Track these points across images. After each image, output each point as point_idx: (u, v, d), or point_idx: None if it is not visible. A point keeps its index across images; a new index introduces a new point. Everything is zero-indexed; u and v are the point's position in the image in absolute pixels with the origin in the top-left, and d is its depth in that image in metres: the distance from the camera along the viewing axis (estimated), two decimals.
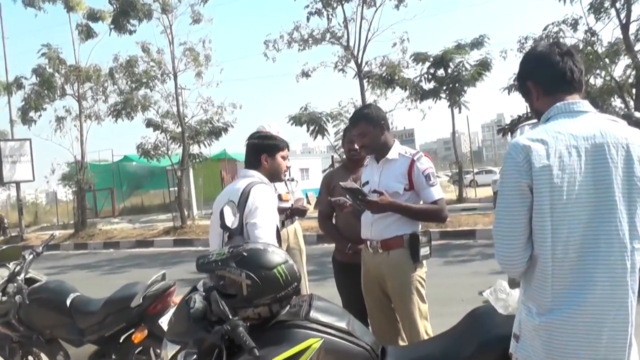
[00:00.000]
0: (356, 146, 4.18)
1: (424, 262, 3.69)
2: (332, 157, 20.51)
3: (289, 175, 5.33)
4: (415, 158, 3.67)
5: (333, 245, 4.43)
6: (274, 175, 3.52)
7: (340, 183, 3.70)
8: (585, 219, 1.91)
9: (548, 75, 2.08)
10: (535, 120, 2.24)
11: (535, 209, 1.94)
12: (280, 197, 4.91)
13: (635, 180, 1.94)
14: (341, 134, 16.59)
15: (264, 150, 3.46)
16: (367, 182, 3.83)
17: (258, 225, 3.11)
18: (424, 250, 3.62)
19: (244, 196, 3.18)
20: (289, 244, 4.89)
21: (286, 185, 5.12)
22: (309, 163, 37.56)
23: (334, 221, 4.41)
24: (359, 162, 4.28)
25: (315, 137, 18.01)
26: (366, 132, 3.77)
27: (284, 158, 3.54)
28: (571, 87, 2.07)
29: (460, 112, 21.79)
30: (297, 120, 17.58)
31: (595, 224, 1.91)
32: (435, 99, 20.53)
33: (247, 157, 3.53)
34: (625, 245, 1.92)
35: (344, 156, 4.79)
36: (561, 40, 16.34)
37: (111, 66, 20.26)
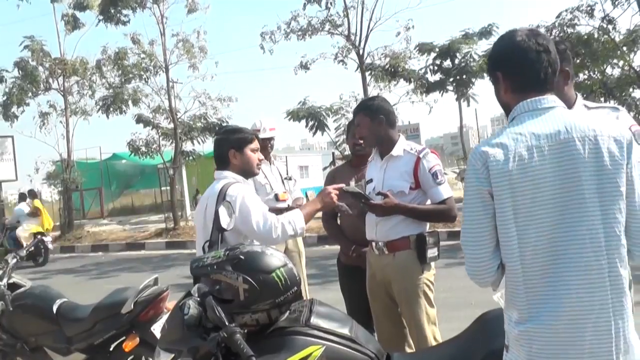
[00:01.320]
0: (360, 140, 4.16)
1: (432, 264, 3.69)
2: (333, 153, 20.46)
3: (287, 173, 5.38)
4: (421, 155, 3.65)
5: (334, 247, 4.46)
6: (247, 172, 3.48)
7: (343, 188, 3.70)
8: (553, 221, 1.90)
9: (521, 73, 2.05)
10: None
11: (498, 216, 1.95)
12: (277, 197, 4.93)
13: (607, 173, 1.91)
14: (342, 129, 16.72)
15: (230, 146, 3.42)
16: (371, 180, 3.82)
17: (247, 213, 3.17)
18: (431, 252, 3.61)
19: (222, 197, 3.21)
20: (287, 246, 4.90)
21: (283, 184, 5.13)
22: (308, 160, 37.54)
23: (338, 221, 4.41)
24: (364, 158, 4.27)
25: (315, 133, 17.94)
26: (363, 124, 3.77)
27: (254, 151, 3.49)
28: (544, 87, 2.05)
29: (468, 105, 21.87)
30: (295, 115, 17.52)
31: (564, 226, 1.90)
32: (441, 92, 20.52)
33: (215, 155, 3.48)
34: (599, 244, 1.90)
35: (347, 152, 4.82)
36: (577, 26, 16.30)
37: (99, 58, 20.27)
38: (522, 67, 2.05)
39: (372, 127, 3.74)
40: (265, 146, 5.00)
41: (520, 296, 1.96)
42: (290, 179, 5.31)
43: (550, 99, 2.03)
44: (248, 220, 3.18)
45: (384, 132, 3.74)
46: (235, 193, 3.23)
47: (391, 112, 3.80)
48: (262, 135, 4.87)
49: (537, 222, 1.90)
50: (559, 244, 1.90)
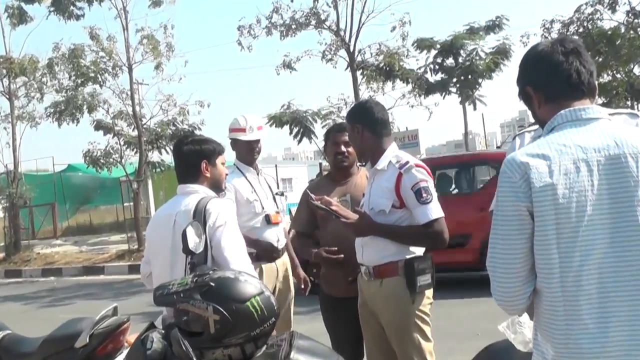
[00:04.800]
0: (343, 148, 4.15)
1: (427, 292, 3.68)
2: (321, 164, 20.50)
3: (277, 188, 5.05)
4: (402, 170, 3.58)
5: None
6: (216, 186, 3.51)
7: (310, 200, 3.68)
8: (602, 244, 1.90)
9: (549, 78, 2.10)
10: (537, 126, 2.25)
11: (537, 237, 1.94)
12: (268, 219, 4.64)
13: None
14: None
15: (203, 157, 3.45)
16: (363, 195, 3.86)
17: (226, 245, 3.14)
18: (423, 279, 3.58)
19: (200, 214, 3.19)
20: (276, 285, 4.62)
21: (275, 201, 4.82)
22: (292, 172, 37.55)
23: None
24: (346, 170, 4.25)
25: (300, 141, 17.96)
26: (347, 133, 3.84)
27: (223, 164, 3.54)
28: (578, 91, 2.08)
29: (474, 109, 21.97)
30: (277, 120, 17.51)
31: (614, 250, 1.90)
32: (443, 94, 20.62)
33: (182, 167, 3.50)
34: None
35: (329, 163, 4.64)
36: (599, 22, 16.43)
37: (51, 57, 20.17)
38: (550, 73, 2.09)
39: (351, 136, 3.79)
40: (252, 150, 4.75)
41: (559, 329, 1.95)
42: (282, 194, 5.04)
43: (595, 110, 2.05)
44: (223, 246, 3.16)
45: (365, 142, 3.73)
46: (216, 210, 3.23)
47: (376, 119, 3.73)
48: (248, 137, 4.67)
49: (583, 245, 1.90)
50: (607, 270, 1.90)
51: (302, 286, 4.89)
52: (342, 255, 3.92)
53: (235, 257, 3.15)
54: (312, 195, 3.80)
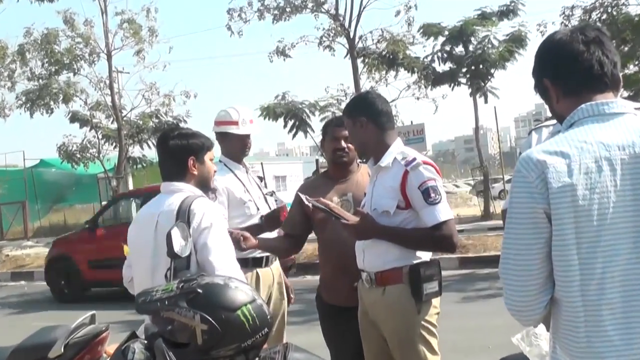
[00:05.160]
0: (343, 144, 4.14)
1: (433, 300, 3.68)
2: (317, 161, 20.51)
3: (266, 188, 5.03)
4: (409, 167, 3.58)
5: (316, 277, 4.40)
6: (204, 184, 3.51)
7: (306, 202, 3.66)
8: (626, 249, 1.90)
9: (569, 70, 2.09)
10: (555, 121, 2.25)
11: (555, 242, 1.93)
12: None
13: None
14: None
15: (190, 153, 3.44)
16: (365, 194, 3.87)
17: (212, 248, 3.15)
18: (430, 286, 3.58)
19: (183, 214, 3.19)
20: (271, 292, 4.61)
21: (267, 202, 4.78)
22: (286, 169, 37.59)
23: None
24: (344, 167, 4.24)
25: (295, 135, 17.97)
26: (347, 128, 3.84)
27: (211, 160, 3.54)
28: (600, 83, 2.07)
29: (486, 101, 21.93)
30: (270, 112, 17.47)
31: (639, 255, 1.91)
32: (452, 85, 20.66)
33: (166, 163, 3.51)
34: None
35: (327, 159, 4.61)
36: (624, 7, 16.42)
37: (22, 42, 20.15)
38: (569, 64, 2.08)
39: (353, 131, 3.78)
40: (245, 145, 4.74)
41: (579, 341, 1.94)
42: (272, 194, 4.97)
43: (619, 103, 2.04)
44: (209, 249, 3.17)
45: (370, 136, 3.73)
46: (200, 211, 3.23)
47: (380, 112, 3.75)
48: (241, 130, 4.65)
49: (606, 250, 1.90)
50: (632, 278, 1.91)
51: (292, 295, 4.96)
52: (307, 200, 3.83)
53: (222, 262, 3.14)
54: (304, 197, 3.79)
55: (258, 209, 4.60)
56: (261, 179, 5.04)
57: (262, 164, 26.46)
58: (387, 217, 3.59)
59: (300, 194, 3.81)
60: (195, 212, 3.21)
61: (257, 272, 4.48)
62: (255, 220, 4.54)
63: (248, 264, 4.37)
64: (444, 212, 3.57)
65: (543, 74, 2.17)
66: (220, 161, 4.62)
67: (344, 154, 4.18)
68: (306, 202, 3.67)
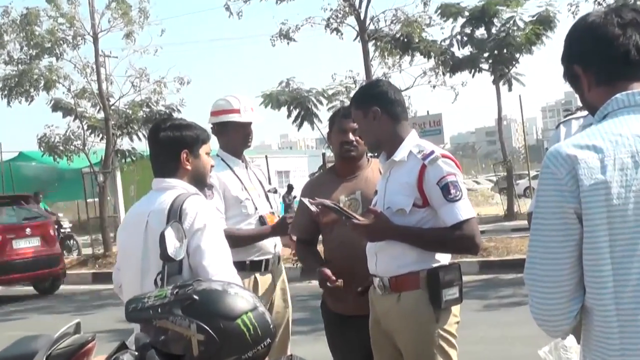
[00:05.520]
0: (351, 137, 4.15)
1: (453, 308, 3.69)
2: (324, 154, 20.46)
3: (269, 184, 5.06)
4: (426, 161, 3.56)
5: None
6: (199, 181, 3.51)
7: (310, 206, 3.67)
8: None
9: (602, 56, 2.08)
10: (586, 113, 2.24)
11: (587, 245, 1.93)
12: (263, 222, 4.64)
13: None
14: None
15: (183, 146, 3.44)
16: (376, 191, 3.86)
17: (205, 251, 3.15)
18: (450, 293, 3.58)
19: (175, 214, 3.20)
20: (273, 299, 4.64)
21: (268, 199, 4.82)
22: (290, 163, 37.62)
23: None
24: (353, 162, 4.26)
25: (300, 126, 17.93)
26: (356, 120, 3.84)
27: (208, 154, 3.54)
28: (638, 71, 2.06)
29: (510, 89, 21.94)
30: (273, 100, 17.39)
31: None
32: (473, 71, 20.67)
33: (158, 158, 3.51)
34: None
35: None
36: None
37: None
38: (603, 49, 2.07)
39: (364, 123, 3.75)
40: (248, 135, 4.79)
41: (613, 353, 1.94)
42: (275, 191, 5.05)
43: None
44: (203, 252, 3.18)
45: (384, 128, 3.72)
46: (193, 210, 3.22)
47: (394, 101, 3.74)
48: (243, 118, 4.67)
49: None
50: None
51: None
52: (340, 282, 3.89)
53: (217, 267, 3.14)
54: (307, 202, 3.79)
55: (256, 208, 4.61)
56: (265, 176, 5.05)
57: (266, 157, 26.57)
58: (402, 216, 3.59)
59: (303, 200, 3.79)
60: (188, 211, 3.21)
61: (255, 278, 4.50)
62: (254, 220, 4.57)
63: (245, 268, 4.39)
64: (465, 210, 3.56)
65: (573, 60, 2.16)
66: (217, 156, 4.63)
67: (352, 147, 4.19)
68: (312, 208, 3.67)
